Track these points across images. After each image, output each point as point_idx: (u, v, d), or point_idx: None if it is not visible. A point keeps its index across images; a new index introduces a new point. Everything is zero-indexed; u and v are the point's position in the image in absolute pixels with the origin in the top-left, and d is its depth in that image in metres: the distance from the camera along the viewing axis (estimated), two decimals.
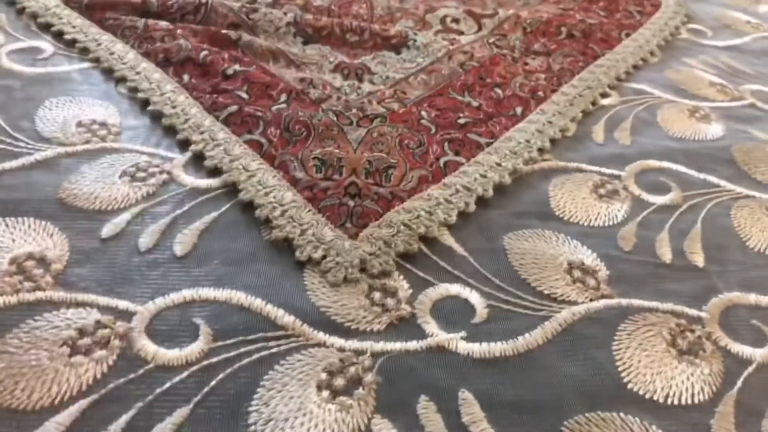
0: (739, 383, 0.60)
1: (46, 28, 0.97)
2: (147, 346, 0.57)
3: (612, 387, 0.58)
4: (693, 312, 0.66)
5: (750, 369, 0.61)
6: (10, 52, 0.91)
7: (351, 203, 0.72)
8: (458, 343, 0.60)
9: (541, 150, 0.85)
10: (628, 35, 1.16)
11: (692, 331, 0.64)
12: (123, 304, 0.60)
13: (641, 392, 0.58)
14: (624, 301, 0.66)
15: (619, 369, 0.60)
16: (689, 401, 0.58)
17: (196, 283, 0.63)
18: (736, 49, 1.18)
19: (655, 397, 0.58)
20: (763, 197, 0.82)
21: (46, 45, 0.94)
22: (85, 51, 0.93)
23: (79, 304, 0.59)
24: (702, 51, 1.16)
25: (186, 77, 0.90)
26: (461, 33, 1.11)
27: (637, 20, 1.21)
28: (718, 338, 0.64)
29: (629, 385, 0.58)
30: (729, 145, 0.91)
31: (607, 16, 1.22)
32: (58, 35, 0.95)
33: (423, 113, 0.88)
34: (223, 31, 0.99)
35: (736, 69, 1.11)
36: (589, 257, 0.71)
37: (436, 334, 0.61)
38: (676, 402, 0.58)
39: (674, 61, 1.11)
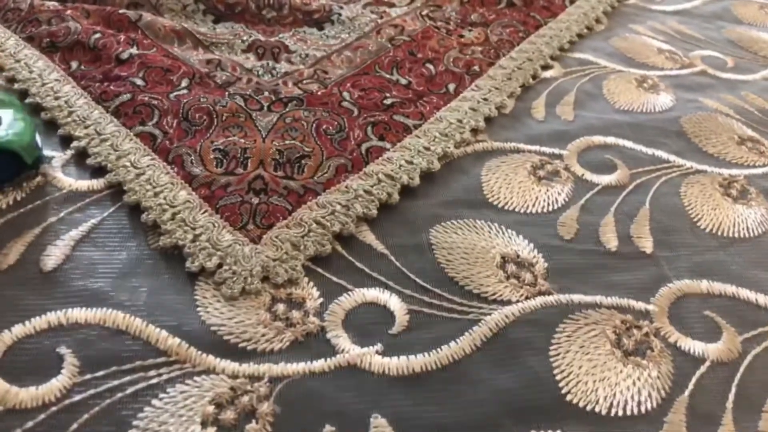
0: (690, 386, 0.53)
1: None
2: None
3: (549, 400, 0.51)
4: (640, 306, 0.59)
5: (702, 368, 0.54)
6: None
7: (255, 200, 0.63)
8: (372, 358, 0.52)
9: (474, 130, 0.77)
10: (572, 2, 1.08)
11: (639, 327, 0.57)
12: None
13: (582, 404, 0.51)
14: (564, 298, 0.59)
15: (558, 378, 0.52)
16: (635, 411, 0.51)
17: (66, 304, 0.53)
18: (685, 13, 1.11)
19: (597, 409, 0.51)
20: (714, 171, 0.75)
21: None
22: None
23: None
24: (650, 17, 1.08)
25: (74, 64, 0.79)
26: (392, 5, 1.01)
27: None
28: (668, 334, 0.57)
29: (568, 397, 0.51)
30: (678, 116, 0.84)
31: None
32: None
33: (345, 94, 0.79)
34: (121, 11, 0.88)
35: (686, 34, 1.04)
36: (525, 249, 0.63)
37: (348, 349, 0.53)
38: (620, 413, 0.50)
39: (621, 29, 1.04)
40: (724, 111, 0.86)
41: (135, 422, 0.46)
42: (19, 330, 0.51)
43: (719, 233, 0.67)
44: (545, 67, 0.91)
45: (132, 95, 0.74)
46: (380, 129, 0.75)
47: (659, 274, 0.62)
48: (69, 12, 0.86)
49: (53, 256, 0.57)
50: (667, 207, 0.70)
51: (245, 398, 0.48)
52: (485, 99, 0.82)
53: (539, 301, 0.58)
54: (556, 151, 0.76)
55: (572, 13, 1.05)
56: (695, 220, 0.69)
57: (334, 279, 0.58)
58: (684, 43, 1.02)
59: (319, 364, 0.51)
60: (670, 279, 0.62)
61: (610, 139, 0.79)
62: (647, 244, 0.65)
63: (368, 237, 0.63)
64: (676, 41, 1.02)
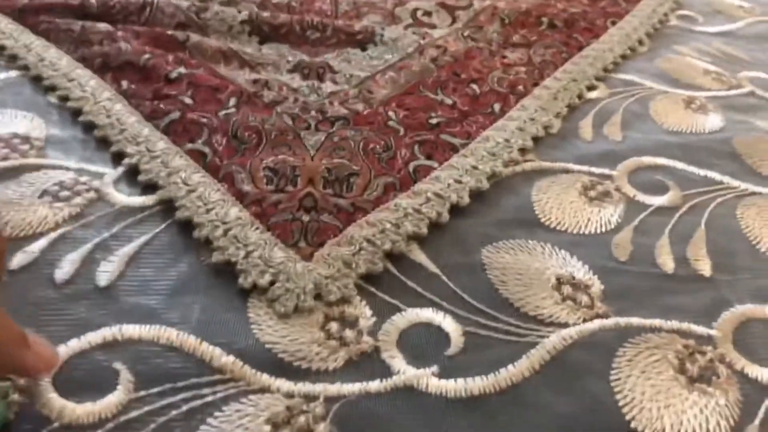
0: (760, 414, 0.51)
1: None
2: (52, 401, 0.47)
3: (612, 425, 0.49)
4: (702, 330, 0.57)
5: None
6: None
7: (306, 218, 0.63)
8: (429, 380, 0.51)
9: (522, 150, 0.76)
10: (614, 23, 1.07)
11: (703, 353, 0.55)
12: None
13: (647, 431, 0.49)
14: (622, 321, 0.57)
15: (620, 403, 0.50)
16: None
17: (120, 320, 0.53)
18: (729, 34, 1.10)
19: None
20: None
21: None
22: (13, 59, 0.84)
23: None
24: (694, 38, 1.07)
25: (125, 83, 0.80)
26: (434, 27, 1.02)
27: (623, 8, 1.13)
28: (733, 360, 0.55)
29: (633, 423, 0.49)
30: (730, 137, 0.82)
31: (591, 4, 1.13)
32: None
33: (391, 114, 0.79)
34: (169, 32, 0.89)
35: (732, 55, 1.03)
36: (580, 270, 0.62)
37: (403, 370, 0.51)
38: None
39: (664, 50, 1.03)
40: None
41: None
42: (75, 344, 0.51)
43: None
44: (590, 88, 0.90)
45: (181, 113, 0.75)
46: (427, 148, 0.74)
47: (719, 297, 0.60)
48: (120, 33, 0.88)
49: (107, 271, 0.57)
50: (723, 229, 0.68)
51: (302, 418, 0.47)
52: (532, 119, 0.81)
53: (597, 324, 0.57)
54: (606, 171, 0.75)
55: (614, 35, 1.04)
56: (754, 242, 0.67)
57: (387, 298, 0.57)
58: (730, 64, 1.00)
59: (374, 385, 0.50)
60: (731, 303, 0.60)
61: (661, 160, 0.77)
62: (705, 267, 0.63)
63: (419, 256, 0.62)
64: (721, 62, 1.00)
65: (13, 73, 0.82)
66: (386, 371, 0.51)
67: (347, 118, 0.77)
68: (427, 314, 0.56)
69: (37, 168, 0.67)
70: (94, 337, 0.51)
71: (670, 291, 0.61)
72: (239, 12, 0.95)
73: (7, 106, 0.76)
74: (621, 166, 0.76)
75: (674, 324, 0.57)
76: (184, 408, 0.47)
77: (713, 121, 0.86)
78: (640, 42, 1.04)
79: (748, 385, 0.53)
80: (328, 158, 0.70)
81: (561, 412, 0.50)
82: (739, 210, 0.71)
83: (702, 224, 0.68)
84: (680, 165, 0.77)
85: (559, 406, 0.50)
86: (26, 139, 0.71)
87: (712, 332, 0.57)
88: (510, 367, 0.52)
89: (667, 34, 1.08)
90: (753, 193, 0.73)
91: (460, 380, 0.51)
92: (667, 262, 0.64)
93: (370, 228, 0.63)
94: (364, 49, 0.94)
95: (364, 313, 0.56)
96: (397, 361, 0.52)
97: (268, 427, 0.47)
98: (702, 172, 0.76)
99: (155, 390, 0.48)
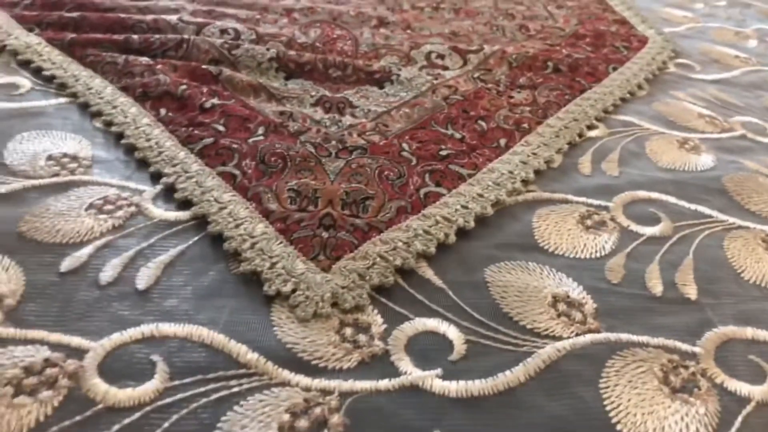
0: (737, 423, 0.55)
1: (25, 64, 0.96)
2: (97, 386, 0.53)
3: (599, 428, 0.54)
4: (686, 347, 0.62)
5: (748, 408, 0.57)
6: None
7: (325, 235, 0.69)
8: (433, 381, 0.56)
9: (525, 181, 0.83)
10: (615, 69, 1.15)
11: (686, 367, 0.60)
12: (76, 340, 0.56)
13: None
14: (612, 336, 0.62)
15: (607, 408, 0.55)
16: None
17: (157, 318, 0.59)
18: (725, 82, 1.17)
19: None
20: (757, 227, 0.79)
21: (24, 81, 0.92)
22: (62, 86, 0.92)
23: (28, 341, 0.56)
24: (690, 84, 1.14)
25: (163, 111, 0.88)
26: (446, 68, 1.10)
27: (624, 55, 1.21)
28: (714, 375, 0.59)
29: (618, 426, 0.54)
30: (720, 175, 0.88)
31: (594, 51, 1.21)
32: (37, 71, 0.95)
33: (404, 145, 0.86)
34: (204, 66, 0.98)
35: (726, 101, 1.09)
36: (575, 290, 0.67)
37: (410, 372, 0.57)
38: None
39: (662, 94, 1.10)
40: (764, 172, 0.90)
41: (218, 425, 0.51)
42: (116, 338, 0.57)
43: (763, 285, 0.71)
44: (590, 127, 0.97)
45: (214, 139, 0.82)
46: (437, 176, 0.81)
47: (704, 319, 0.65)
48: (159, 66, 0.96)
49: (146, 276, 0.63)
50: (710, 258, 0.74)
51: (318, 409, 0.53)
52: (535, 153, 0.88)
53: (589, 338, 0.62)
54: (603, 203, 0.81)
55: (615, 79, 1.11)
56: (739, 271, 0.72)
57: (396, 308, 0.63)
58: (724, 109, 1.07)
59: (384, 383, 0.56)
60: (714, 324, 0.65)
61: (654, 194, 0.83)
62: (691, 291, 0.69)
63: (427, 272, 0.68)
64: (716, 107, 1.07)
65: (63, 100, 0.90)
66: (394, 372, 0.57)
67: (364, 148, 0.84)
68: (433, 323, 0.62)
69: (84, 184, 0.74)
70: (133, 333, 0.57)
71: (657, 311, 0.66)
72: (268, 50, 1.04)
73: (57, 128, 0.84)
74: (617, 199, 0.82)
75: (660, 340, 0.62)
76: (213, 397, 0.53)
77: (705, 160, 0.92)
78: (640, 86, 1.11)
79: (727, 397, 0.58)
80: (346, 183, 0.77)
81: (553, 414, 0.55)
82: (725, 241, 0.76)
83: (690, 253, 0.74)
84: (672, 199, 0.83)
85: (551, 408, 0.55)
86: (74, 158, 0.78)
87: (696, 349, 0.62)
88: (507, 372, 0.57)
89: (665, 80, 1.15)
90: (740, 227, 0.79)
91: (462, 382, 0.56)
92: (656, 285, 0.69)
93: (383, 245, 0.69)
94: (381, 87, 1.01)
95: (376, 321, 0.61)
96: (404, 363, 0.58)
97: (287, 416, 0.52)
98: (693, 206, 0.82)
99: (188, 380, 0.54)
